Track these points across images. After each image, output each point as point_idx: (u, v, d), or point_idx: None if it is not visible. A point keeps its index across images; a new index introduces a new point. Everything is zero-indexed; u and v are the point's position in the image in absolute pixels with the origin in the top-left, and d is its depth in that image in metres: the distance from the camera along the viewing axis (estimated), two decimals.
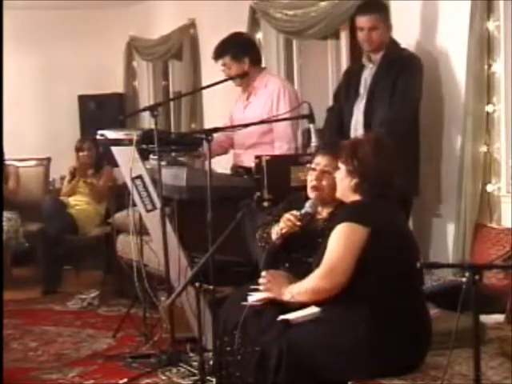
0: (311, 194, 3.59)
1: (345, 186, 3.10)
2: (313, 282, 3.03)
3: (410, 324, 2.96)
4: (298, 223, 3.49)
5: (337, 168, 3.22)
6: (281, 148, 4.85)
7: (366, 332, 2.90)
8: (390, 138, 3.91)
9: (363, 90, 4.65)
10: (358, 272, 2.93)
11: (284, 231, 3.50)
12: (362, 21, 4.59)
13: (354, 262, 2.94)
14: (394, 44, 4.67)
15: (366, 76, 4.67)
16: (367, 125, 4.51)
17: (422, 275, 3.17)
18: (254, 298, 3.32)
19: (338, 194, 3.17)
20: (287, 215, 3.53)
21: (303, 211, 3.52)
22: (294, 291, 3.11)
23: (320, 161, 3.59)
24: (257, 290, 3.36)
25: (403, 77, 4.47)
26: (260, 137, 4.91)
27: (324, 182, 3.55)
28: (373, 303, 2.92)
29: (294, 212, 3.52)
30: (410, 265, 2.72)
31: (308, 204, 3.56)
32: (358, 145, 3.13)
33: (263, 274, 3.31)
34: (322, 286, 3.00)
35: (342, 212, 3.08)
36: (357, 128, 4.59)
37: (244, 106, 5.10)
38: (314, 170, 3.60)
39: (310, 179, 3.59)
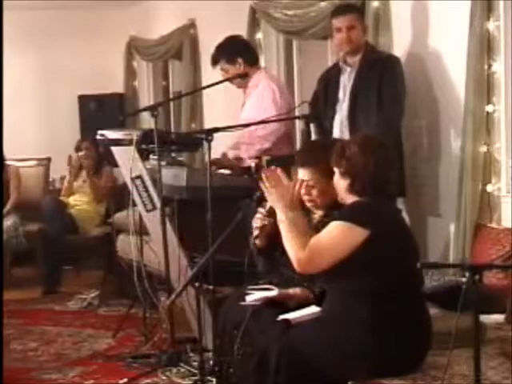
0: (308, 204, 3.58)
1: (340, 188, 3.09)
2: (295, 254, 2.98)
3: (411, 324, 2.95)
4: (265, 222, 3.46)
5: (319, 177, 3.27)
6: (251, 151, 4.83)
7: (367, 332, 2.90)
8: (387, 138, 3.95)
9: (343, 94, 4.65)
10: (358, 272, 2.93)
11: (257, 232, 3.48)
12: (340, 21, 4.60)
13: (339, 259, 2.92)
14: (370, 46, 4.69)
15: (345, 80, 4.66)
16: (353, 128, 4.50)
17: (422, 275, 3.16)
18: (252, 297, 3.32)
19: (339, 198, 3.16)
20: (257, 215, 3.51)
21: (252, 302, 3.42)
22: (283, 234, 3.04)
23: (303, 174, 3.55)
24: (255, 290, 3.36)
25: (388, 78, 4.48)
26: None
27: (314, 193, 3.50)
28: (373, 303, 2.91)
29: (261, 210, 3.49)
30: (410, 265, 2.72)
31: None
32: (345, 146, 3.10)
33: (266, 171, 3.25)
34: (298, 264, 2.98)
35: (342, 211, 3.07)
36: (343, 131, 4.59)
37: (242, 106, 5.12)
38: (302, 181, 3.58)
39: (303, 192, 3.53)
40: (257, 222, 3.50)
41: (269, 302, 3.31)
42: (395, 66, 4.55)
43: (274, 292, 3.33)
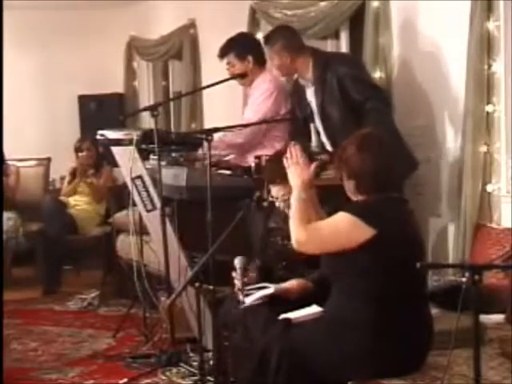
0: None
1: (348, 189, 3.10)
2: (296, 231, 3.03)
3: (412, 325, 2.95)
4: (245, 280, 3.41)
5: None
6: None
7: (368, 332, 2.90)
8: (382, 121, 4.01)
9: (314, 110, 4.68)
10: (361, 273, 2.92)
11: (242, 296, 3.38)
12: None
13: (337, 249, 2.94)
14: (317, 55, 4.67)
15: (310, 97, 4.69)
16: (333, 141, 4.50)
17: (425, 276, 3.15)
18: (250, 298, 3.32)
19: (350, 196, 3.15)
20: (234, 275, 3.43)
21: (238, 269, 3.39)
22: (292, 211, 3.09)
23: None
24: (252, 290, 3.35)
25: (347, 74, 4.48)
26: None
27: None
28: (375, 304, 2.91)
29: (234, 274, 3.40)
30: (414, 267, 2.71)
31: (237, 261, 3.38)
32: (343, 149, 3.10)
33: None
34: (297, 242, 3.02)
35: (352, 205, 3.05)
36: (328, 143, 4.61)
37: (245, 105, 5.12)
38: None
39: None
40: (237, 284, 3.40)
41: (269, 300, 3.31)
42: (347, 62, 4.61)
43: (270, 289, 3.33)
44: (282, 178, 3.48)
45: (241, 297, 3.32)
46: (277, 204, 3.65)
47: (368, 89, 4.47)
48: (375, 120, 4.27)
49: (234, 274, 3.40)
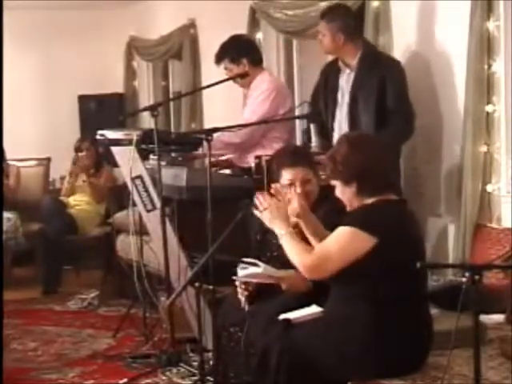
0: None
1: (348, 197, 3.04)
2: (301, 260, 2.99)
3: (412, 326, 2.94)
4: (250, 288, 3.45)
5: (313, 172, 3.44)
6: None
7: (368, 333, 2.89)
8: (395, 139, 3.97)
9: (341, 96, 4.65)
10: (363, 278, 2.91)
11: (246, 303, 3.45)
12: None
13: (347, 264, 2.91)
14: (369, 48, 4.65)
15: (344, 82, 4.66)
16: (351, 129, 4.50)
17: (425, 276, 3.14)
18: (242, 272, 3.31)
19: (349, 208, 3.10)
20: (238, 286, 3.48)
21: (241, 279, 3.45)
22: (286, 247, 3.06)
23: (296, 173, 3.54)
24: (246, 264, 3.35)
25: (392, 80, 4.46)
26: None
27: (310, 187, 3.53)
28: (376, 306, 2.90)
29: (237, 283, 3.47)
30: (414, 268, 2.70)
31: (239, 272, 3.42)
32: (335, 155, 3.05)
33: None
34: (305, 270, 2.98)
35: (351, 215, 3.03)
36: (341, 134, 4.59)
37: (244, 106, 5.11)
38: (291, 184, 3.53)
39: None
40: (241, 295, 3.46)
41: (261, 285, 3.31)
42: (396, 69, 4.54)
43: (259, 269, 3.29)
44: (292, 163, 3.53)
45: (245, 306, 3.34)
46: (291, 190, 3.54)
47: (402, 102, 4.46)
48: (388, 136, 4.28)
49: (236, 283, 3.41)
